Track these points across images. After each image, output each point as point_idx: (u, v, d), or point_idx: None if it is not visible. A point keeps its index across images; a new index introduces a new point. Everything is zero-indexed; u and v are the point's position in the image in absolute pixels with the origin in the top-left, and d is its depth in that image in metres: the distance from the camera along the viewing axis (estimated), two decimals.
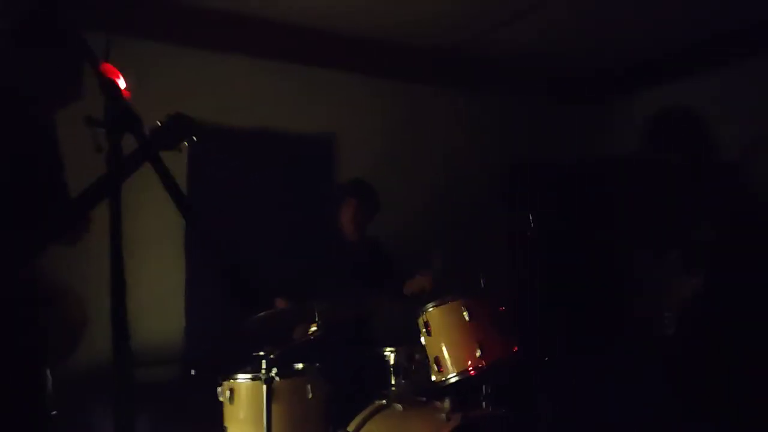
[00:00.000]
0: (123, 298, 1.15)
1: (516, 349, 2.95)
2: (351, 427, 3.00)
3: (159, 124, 2.28)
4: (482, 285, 3.16)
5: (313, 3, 4.11)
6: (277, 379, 2.69)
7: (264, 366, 2.69)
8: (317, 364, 3.04)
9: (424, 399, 3.04)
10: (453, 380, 2.89)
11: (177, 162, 3.99)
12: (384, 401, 3.04)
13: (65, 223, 2.29)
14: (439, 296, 3.07)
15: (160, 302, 3.93)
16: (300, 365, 3.07)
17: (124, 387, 1.12)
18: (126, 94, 1.22)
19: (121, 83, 1.24)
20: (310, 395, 2.87)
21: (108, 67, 1.24)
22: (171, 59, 4.09)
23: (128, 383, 1.13)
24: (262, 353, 2.68)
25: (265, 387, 2.66)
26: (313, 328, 2.75)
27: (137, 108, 1.21)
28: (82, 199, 2.01)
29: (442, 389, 2.94)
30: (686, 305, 3.38)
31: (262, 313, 3.03)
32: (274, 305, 3.39)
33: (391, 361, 3.16)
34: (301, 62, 4.55)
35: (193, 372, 3.68)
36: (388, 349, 3.19)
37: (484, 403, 2.97)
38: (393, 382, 3.14)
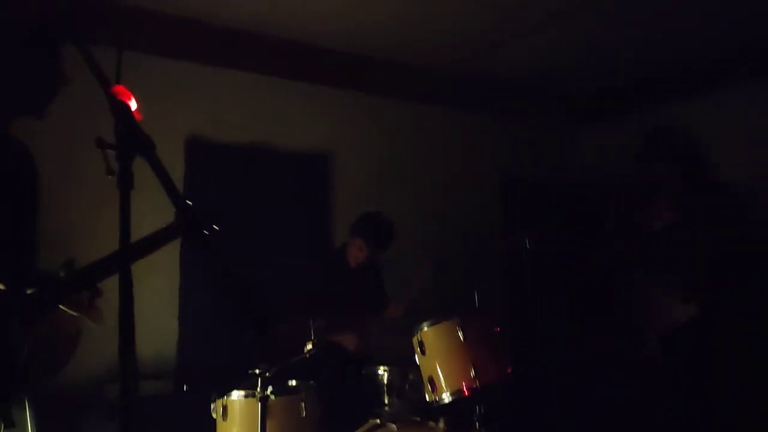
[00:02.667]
0: (131, 315, 1.15)
1: (510, 370, 2.96)
2: None
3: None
4: (477, 303, 3.18)
5: (312, 21, 4.14)
6: (272, 397, 2.68)
7: (259, 384, 2.67)
8: (311, 382, 3.03)
9: (419, 419, 3.04)
10: (447, 400, 2.89)
11: (174, 176, 4.02)
12: (378, 420, 3.03)
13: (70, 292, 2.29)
14: (432, 312, 3.09)
15: (154, 317, 3.91)
16: (294, 382, 3.05)
17: (128, 401, 1.13)
18: (137, 117, 1.23)
19: (132, 105, 1.25)
20: (304, 413, 2.85)
21: (119, 89, 1.25)
22: (171, 74, 4.10)
23: (132, 397, 1.13)
24: (257, 371, 2.66)
25: (260, 405, 2.65)
26: (309, 347, 2.75)
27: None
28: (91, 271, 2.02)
29: (437, 409, 2.94)
30: (676, 330, 3.41)
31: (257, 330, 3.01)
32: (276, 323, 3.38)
33: (385, 380, 3.16)
34: (299, 79, 4.59)
35: (185, 387, 3.65)
36: (382, 368, 3.20)
37: (477, 424, 2.98)
38: (387, 401, 3.14)
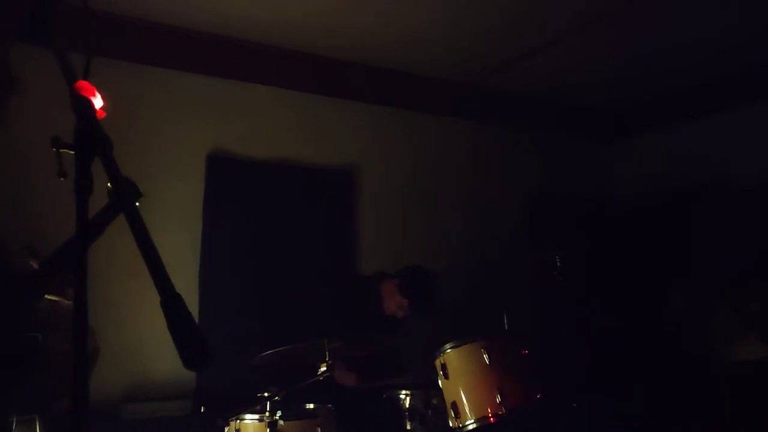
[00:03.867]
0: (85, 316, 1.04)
1: (539, 396, 2.77)
2: None
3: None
4: (505, 325, 3.01)
5: (338, 36, 4.08)
6: (281, 422, 2.54)
7: (268, 408, 2.54)
8: (329, 405, 2.89)
9: None
10: (471, 428, 2.72)
11: (195, 192, 3.96)
12: None
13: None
14: (457, 333, 2.91)
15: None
16: (311, 405, 2.92)
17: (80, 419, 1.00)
18: (100, 115, 1.12)
19: (97, 102, 1.13)
20: None
21: (83, 84, 1.13)
22: (194, 89, 4.06)
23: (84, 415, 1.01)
24: (267, 394, 2.54)
25: (268, 430, 2.52)
26: (323, 369, 2.61)
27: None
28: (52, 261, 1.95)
29: None
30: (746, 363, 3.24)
31: (273, 350, 2.90)
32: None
33: (407, 405, 3.00)
34: (324, 93, 4.51)
35: (203, 409, 3.56)
36: (404, 391, 3.04)
37: None
38: (408, 426, 2.97)
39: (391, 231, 3.87)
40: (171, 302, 1.10)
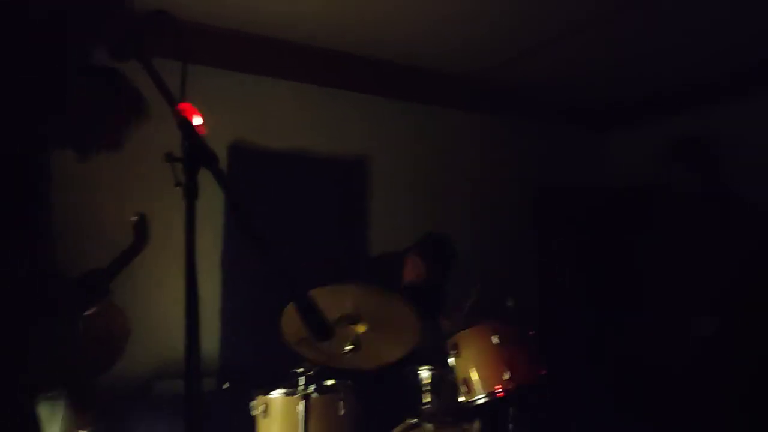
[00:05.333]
0: (196, 312, 1.24)
1: (544, 372, 3.01)
2: None
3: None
4: (511, 308, 3.22)
5: (350, 30, 4.25)
6: (315, 395, 2.76)
7: (302, 382, 2.75)
8: (349, 381, 3.08)
9: (455, 419, 3.08)
10: (480, 401, 2.95)
11: (213, 183, 4.15)
12: (415, 420, 3.08)
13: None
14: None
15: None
16: (332, 381, 3.10)
17: (194, 398, 1.22)
18: (201, 131, 1.33)
19: (196, 121, 1.35)
20: (342, 411, 2.92)
21: (186, 106, 1.35)
22: (216, 83, 4.23)
23: (198, 394, 1.22)
24: (301, 369, 2.74)
25: (302, 403, 2.72)
26: (349, 346, 2.81)
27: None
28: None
29: (473, 410, 2.99)
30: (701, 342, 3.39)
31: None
32: None
33: (425, 380, 3.18)
34: (338, 86, 4.70)
35: (227, 385, 3.75)
36: (424, 367, 3.21)
37: (511, 426, 3.03)
38: (427, 400, 3.14)
39: (400, 219, 4.09)
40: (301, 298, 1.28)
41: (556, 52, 4.58)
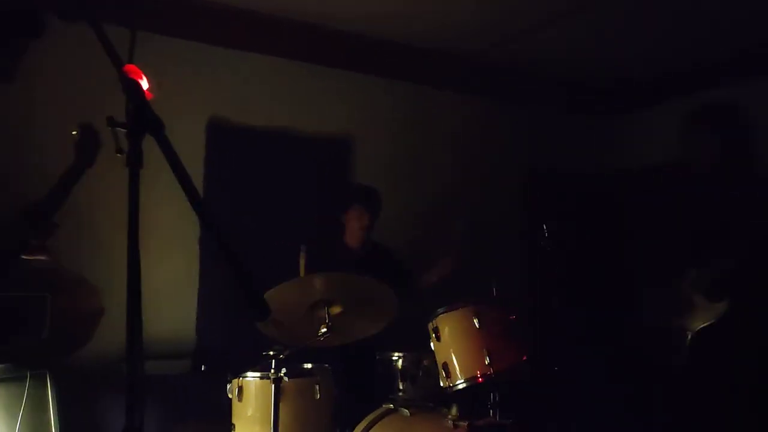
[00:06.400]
0: (138, 291, 1.16)
1: (525, 358, 2.94)
2: (357, 429, 3.01)
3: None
4: (494, 292, 3.16)
5: (334, 5, 4.12)
6: (286, 379, 2.71)
7: (273, 365, 2.70)
8: (327, 365, 3.05)
9: (432, 405, 3.04)
10: (461, 387, 2.89)
11: (193, 160, 4.05)
12: (391, 405, 3.04)
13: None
14: (448, 299, 3.07)
15: (173, 296, 3.96)
16: (309, 365, 3.07)
17: (136, 377, 1.14)
18: (148, 96, 1.24)
19: (144, 84, 1.25)
20: (318, 396, 2.88)
21: (131, 68, 1.25)
22: (192, 57, 4.12)
23: (140, 373, 1.14)
24: (272, 352, 2.69)
25: (273, 386, 2.67)
26: (323, 330, 2.75)
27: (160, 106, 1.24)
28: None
29: (450, 396, 2.94)
30: (704, 329, 3.30)
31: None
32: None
33: (399, 366, 3.16)
34: (321, 63, 4.58)
35: (203, 367, 3.70)
36: (396, 353, 3.19)
37: (491, 412, 2.97)
38: (401, 386, 3.14)
39: (384, 200, 4.00)
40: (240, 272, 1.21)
41: (551, 32, 4.49)
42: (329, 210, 4.34)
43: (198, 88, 4.11)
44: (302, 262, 3.25)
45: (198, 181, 4.07)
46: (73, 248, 3.36)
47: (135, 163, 1.19)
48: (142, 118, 1.20)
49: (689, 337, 3.33)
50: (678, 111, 3.72)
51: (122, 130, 1.19)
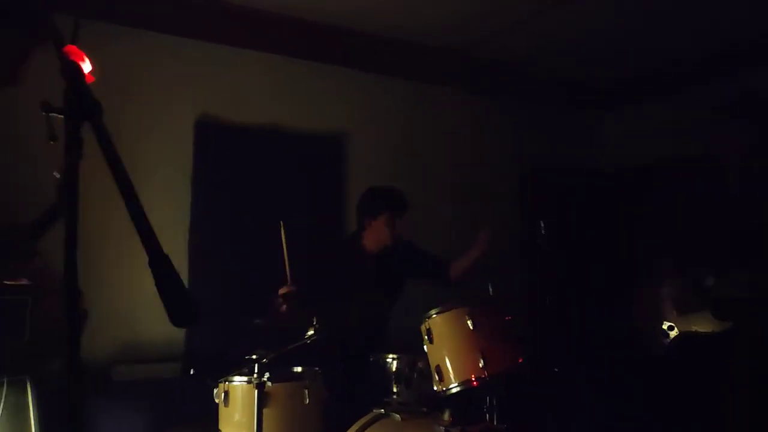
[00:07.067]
0: (75, 291, 1.06)
1: (521, 360, 2.83)
2: None
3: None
4: (490, 292, 3.05)
5: (328, 1, 4.02)
6: (269, 383, 2.61)
7: (256, 370, 2.60)
8: (316, 368, 2.95)
9: (426, 409, 2.93)
10: (454, 391, 2.78)
11: (183, 157, 3.96)
12: (382, 410, 2.93)
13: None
14: (442, 300, 2.97)
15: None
16: (299, 369, 2.99)
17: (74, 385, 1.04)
18: (89, 79, 1.13)
19: (86, 67, 1.15)
20: (307, 400, 2.78)
21: (72, 49, 1.15)
22: (186, 53, 4.03)
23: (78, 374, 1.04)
24: (254, 356, 2.59)
25: (256, 391, 2.58)
26: (310, 332, 2.66)
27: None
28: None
29: (444, 400, 2.83)
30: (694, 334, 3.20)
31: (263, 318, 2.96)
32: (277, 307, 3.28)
33: (393, 369, 3.05)
34: (314, 59, 4.49)
35: (192, 371, 3.61)
36: (390, 356, 3.07)
37: (486, 416, 2.86)
38: (395, 390, 3.03)
39: None
40: (158, 261, 1.12)
41: (546, 26, 4.39)
42: (324, 210, 4.26)
43: (187, 86, 4.03)
44: (283, 236, 3.13)
45: (186, 180, 3.98)
46: (55, 250, 3.27)
47: (74, 152, 1.08)
48: (81, 103, 1.09)
49: (681, 335, 3.25)
50: (671, 106, 3.64)
51: (58, 116, 1.08)
